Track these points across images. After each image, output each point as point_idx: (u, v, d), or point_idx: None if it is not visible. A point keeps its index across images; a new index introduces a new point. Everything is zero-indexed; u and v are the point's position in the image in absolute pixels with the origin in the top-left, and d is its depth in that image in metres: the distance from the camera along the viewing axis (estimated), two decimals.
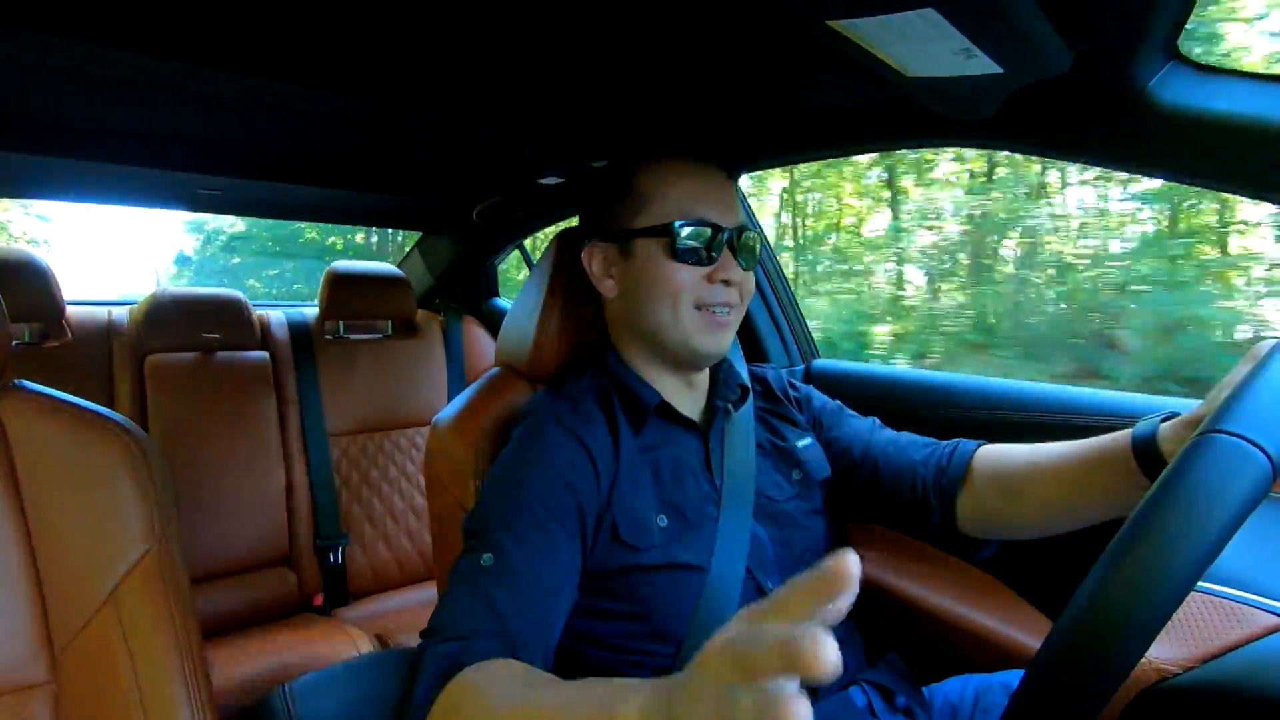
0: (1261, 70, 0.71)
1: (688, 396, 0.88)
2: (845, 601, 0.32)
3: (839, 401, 0.98)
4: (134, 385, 1.76)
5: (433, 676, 0.59)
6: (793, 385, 0.99)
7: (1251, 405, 0.46)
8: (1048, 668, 0.43)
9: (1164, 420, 0.65)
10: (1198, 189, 0.81)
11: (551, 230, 2.02)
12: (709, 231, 0.80)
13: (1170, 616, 0.41)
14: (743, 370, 0.94)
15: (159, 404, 1.75)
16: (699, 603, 0.75)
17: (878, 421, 0.95)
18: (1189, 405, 0.65)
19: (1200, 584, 0.72)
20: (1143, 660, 0.45)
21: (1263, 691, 0.64)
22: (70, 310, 1.75)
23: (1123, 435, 0.68)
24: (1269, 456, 0.43)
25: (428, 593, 1.91)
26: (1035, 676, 0.43)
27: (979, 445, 0.84)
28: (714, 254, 0.81)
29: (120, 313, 1.85)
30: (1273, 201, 0.74)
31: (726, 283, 0.81)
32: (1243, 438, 0.43)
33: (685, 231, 0.80)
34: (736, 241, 0.82)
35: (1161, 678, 0.69)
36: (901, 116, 1.01)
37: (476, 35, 0.96)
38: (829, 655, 0.28)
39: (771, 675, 0.30)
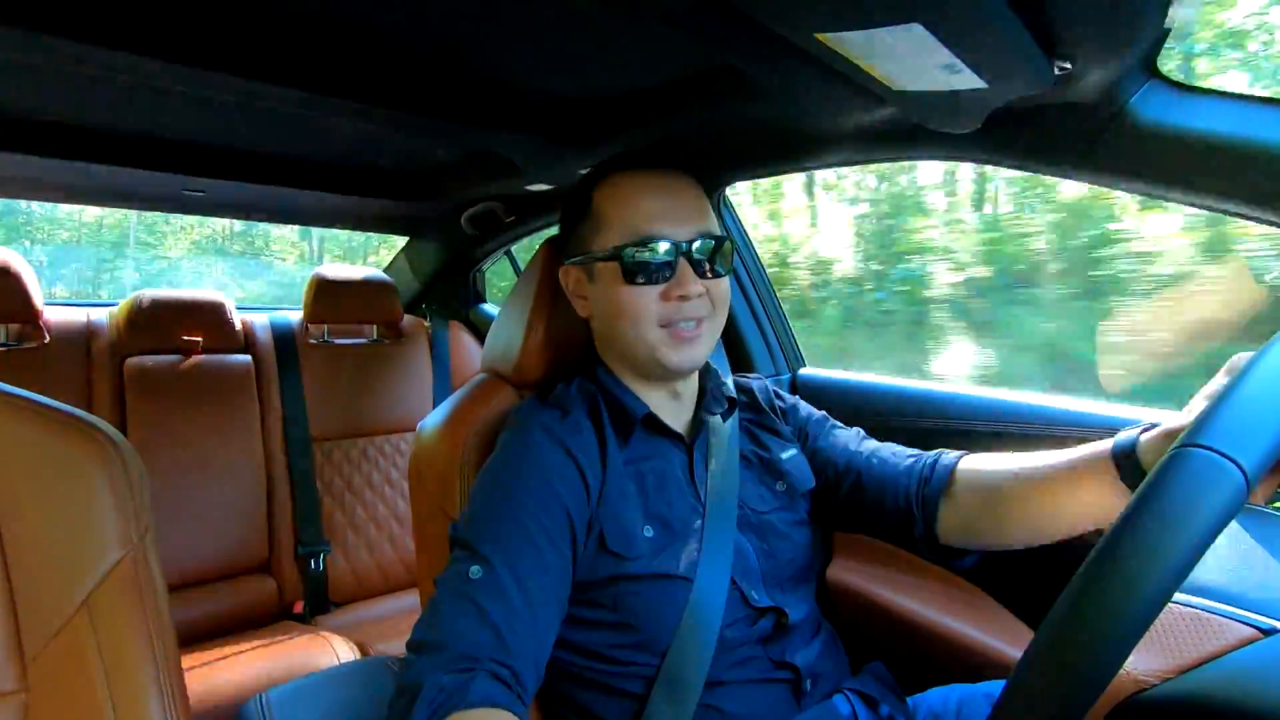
0: (1240, 91, 0.73)
1: (674, 408, 0.88)
2: None
3: (824, 412, 0.99)
4: (113, 388, 1.73)
5: (428, 708, 0.58)
6: (778, 395, 0.99)
7: (1226, 418, 0.46)
8: (1028, 679, 0.43)
9: (1144, 431, 0.66)
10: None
11: (540, 236, 2.02)
12: (661, 248, 0.78)
13: (1147, 628, 0.41)
14: (729, 381, 0.95)
15: (138, 407, 1.72)
16: (683, 613, 0.75)
17: (862, 432, 0.96)
18: (1169, 416, 0.66)
19: (1177, 596, 0.73)
20: (1121, 671, 0.46)
21: (1238, 703, 0.65)
22: (48, 312, 1.73)
23: (1103, 446, 0.69)
24: (1242, 470, 0.43)
25: (410, 601, 1.89)
26: (1015, 687, 0.44)
27: (961, 456, 0.85)
28: (670, 270, 0.79)
29: (99, 315, 1.83)
30: (1247, 218, 0.76)
31: (684, 297, 0.79)
32: (1217, 451, 0.44)
33: (634, 254, 0.78)
34: (696, 251, 0.80)
35: (1139, 689, 0.69)
36: (886, 130, 1.02)
37: (465, 42, 0.96)
38: None
39: None
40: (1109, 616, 0.41)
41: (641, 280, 0.79)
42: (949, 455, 0.86)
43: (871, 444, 0.93)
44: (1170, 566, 0.41)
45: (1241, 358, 0.58)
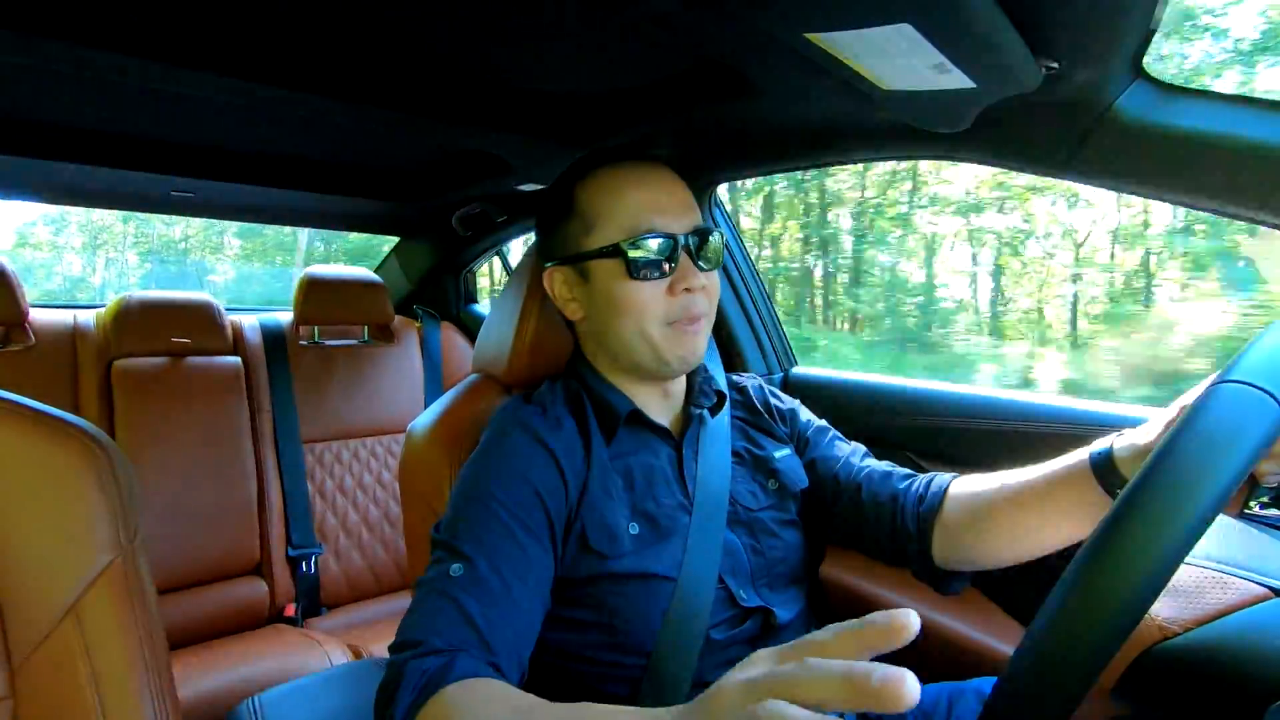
0: (1224, 91, 0.74)
1: (662, 404, 0.87)
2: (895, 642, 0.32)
3: (825, 422, 0.98)
4: (100, 391, 1.71)
5: (413, 693, 0.57)
6: (775, 396, 0.98)
7: (1260, 358, 0.48)
8: (1023, 662, 0.43)
9: (1116, 438, 0.67)
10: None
11: (531, 236, 2.01)
12: (662, 242, 0.78)
13: (1182, 559, 0.42)
14: (720, 378, 0.94)
15: (126, 410, 1.70)
16: (667, 614, 0.75)
17: (863, 449, 0.94)
18: (1154, 413, 0.66)
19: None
20: (1146, 618, 0.47)
21: (1252, 655, 0.68)
22: (33, 314, 1.71)
23: (1081, 456, 0.69)
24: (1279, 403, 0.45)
25: (403, 603, 1.86)
26: (1010, 677, 0.44)
27: (954, 478, 0.84)
28: (672, 264, 0.78)
29: (86, 316, 1.81)
30: (1232, 216, 0.77)
31: (689, 290, 0.79)
32: (1254, 386, 0.46)
33: (637, 248, 0.77)
34: (693, 245, 0.79)
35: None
36: (876, 129, 1.02)
37: (455, 40, 0.96)
38: (910, 689, 0.28)
39: (830, 705, 0.30)
40: (1152, 536, 0.42)
41: (645, 275, 0.78)
42: (943, 476, 0.85)
43: (871, 461, 0.92)
44: (1213, 490, 0.42)
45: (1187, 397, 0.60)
